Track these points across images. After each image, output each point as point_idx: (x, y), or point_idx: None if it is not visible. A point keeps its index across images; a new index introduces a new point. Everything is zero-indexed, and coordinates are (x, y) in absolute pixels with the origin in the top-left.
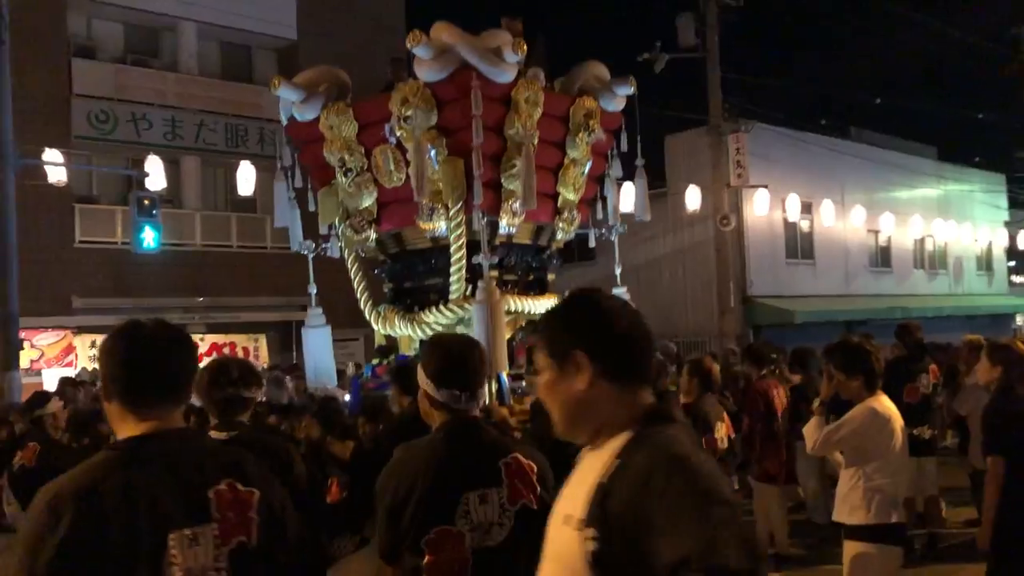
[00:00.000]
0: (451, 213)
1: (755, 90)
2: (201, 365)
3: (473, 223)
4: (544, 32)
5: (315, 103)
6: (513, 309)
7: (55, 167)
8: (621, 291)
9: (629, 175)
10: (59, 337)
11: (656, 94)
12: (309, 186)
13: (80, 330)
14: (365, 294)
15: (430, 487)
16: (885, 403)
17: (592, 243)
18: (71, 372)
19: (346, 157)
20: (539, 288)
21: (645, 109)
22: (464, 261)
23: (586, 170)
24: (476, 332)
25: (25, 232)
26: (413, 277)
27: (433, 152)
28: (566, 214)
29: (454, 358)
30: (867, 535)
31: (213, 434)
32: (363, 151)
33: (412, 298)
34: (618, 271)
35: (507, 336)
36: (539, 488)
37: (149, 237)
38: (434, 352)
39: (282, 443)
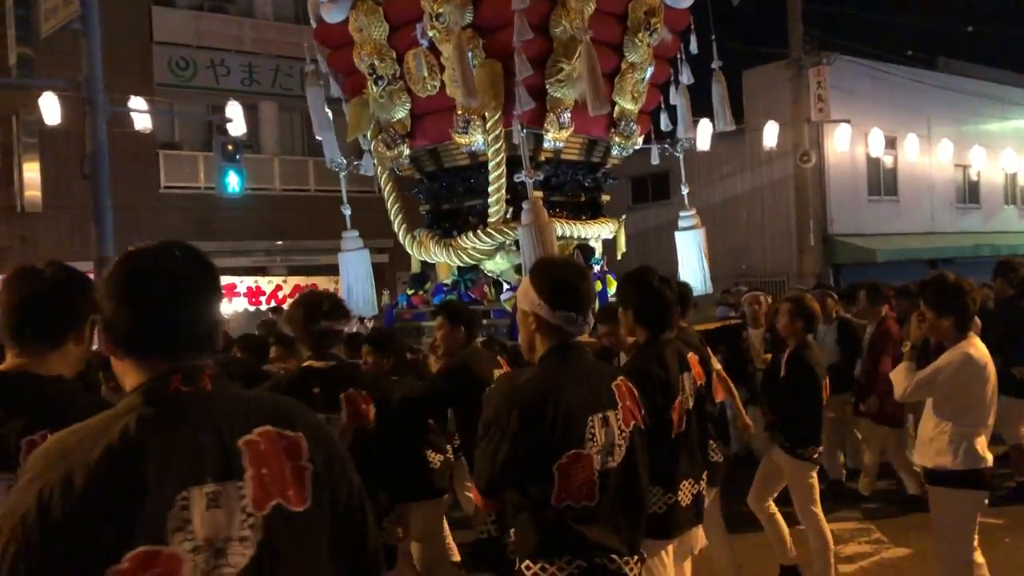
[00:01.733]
0: (488, 125)
1: (837, 21)
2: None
3: (513, 136)
4: None
5: (343, 3)
6: (561, 234)
7: (140, 114)
8: (689, 215)
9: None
10: None
11: (734, 27)
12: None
13: None
14: (399, 216)
15: (564, 411)
16: (979, 347)
17: (655, 159)
18: None
19: (376, 63)
20: (591, 211)
21: (722, 43)
22: (504, 180)
23: (647, 76)
24: (524, 259)
25: (113, 178)
26: (451, 198)
27: (470, 55)
28: (623, 126)
29: (570, 279)
30: (954, 480)
31: (312, 364)
32: (394, 56)
33: (450, 221)
34: (684, 191)
35: None
36: (640, 409)
37: (233, 181)
38: (547, 273)
39: (379, 375)
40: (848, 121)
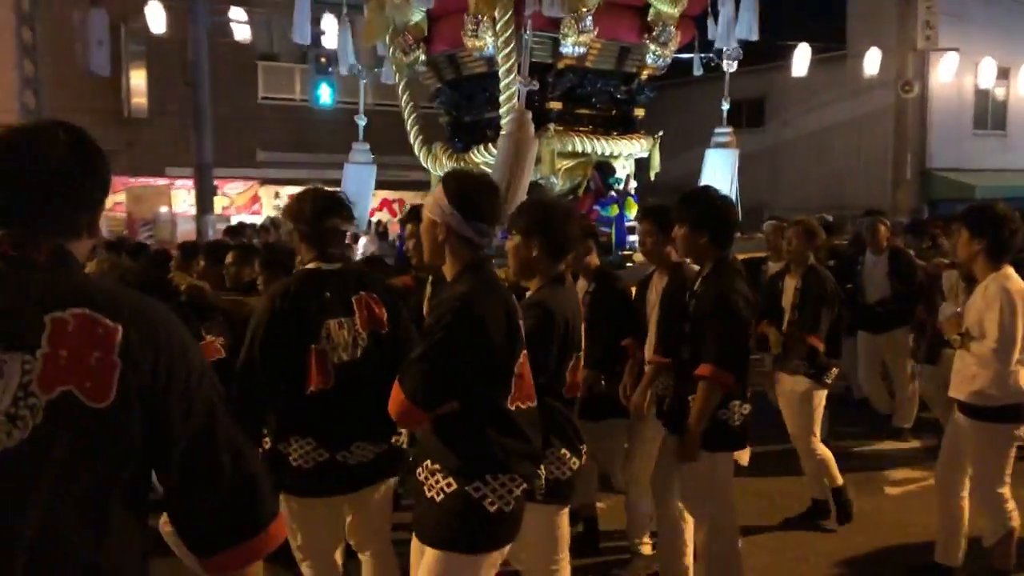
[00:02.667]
0: (498, 27)
1: None
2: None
3: (527, 37)
4: None
5: None
6: (581, 150)
7: (240, 25)
8: (724, 131)
9: None
10: (246, 187)
11: None
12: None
13: (264, 181)
14: (416, 128)
15: (509, 319)
16: (1016, 280)
17: (697, 70)
18: (258, 219)
19: None
20: (623, 125)
21: None
22: (516, 89)
23: None
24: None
25: (214, 88)
26: (472, 109)
27: None
28: (659, 32)
29: (484, 190)
30: (994, 415)
31: (319, 265)
32: None
33: (469, 134)
34: (725, 107)
35: (573, 182)
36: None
37: (325, 94)
38: (463, 183)
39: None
40: (957, 49)
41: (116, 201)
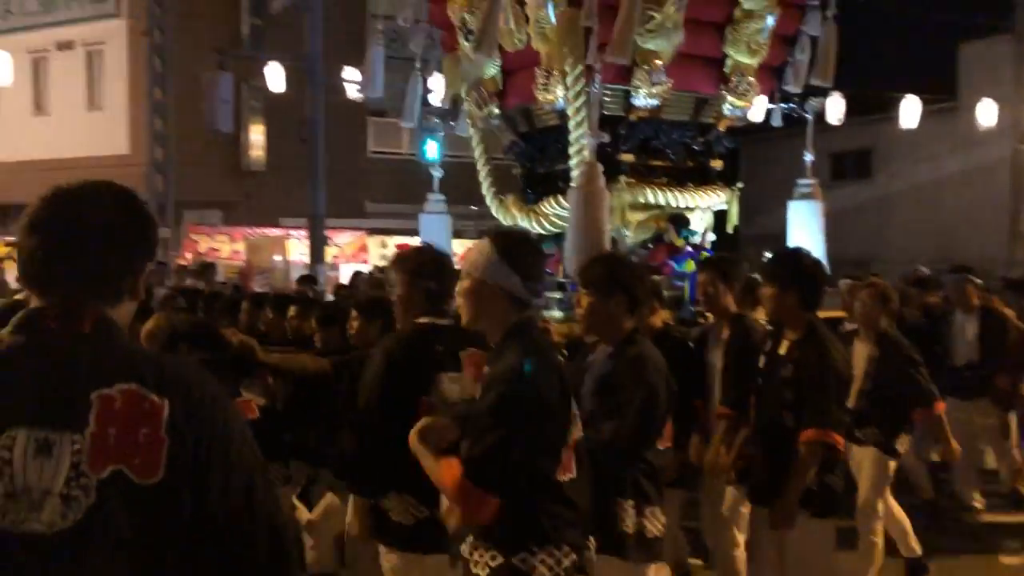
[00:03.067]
0: (568, 80)
1: None
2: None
3: (595, 90)
4: None
5: None
6: (655, 202)
7: (351, 84)
8: (808, 182)
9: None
10: (355, 237)
11: None
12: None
13: (372, 231)
14: (489, 180)
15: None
16: None
17: (777, 121)
18: (364, 268)
19: (466, 16)
20: (699, 177)
21: (936, 14)
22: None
23: (767, 26)
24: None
25: (327, 142)
26: (544, 161)
27: (550, 6)
28: (736, 83)
29: (533, 247)
30: None
31: (433, 320)
32: (484, 8)
33: (542, 186)
34: (808, 159)
35: (644, 235)
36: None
37: (431, 149)
38: (512, 238)
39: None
40: None
41: (235, 249)
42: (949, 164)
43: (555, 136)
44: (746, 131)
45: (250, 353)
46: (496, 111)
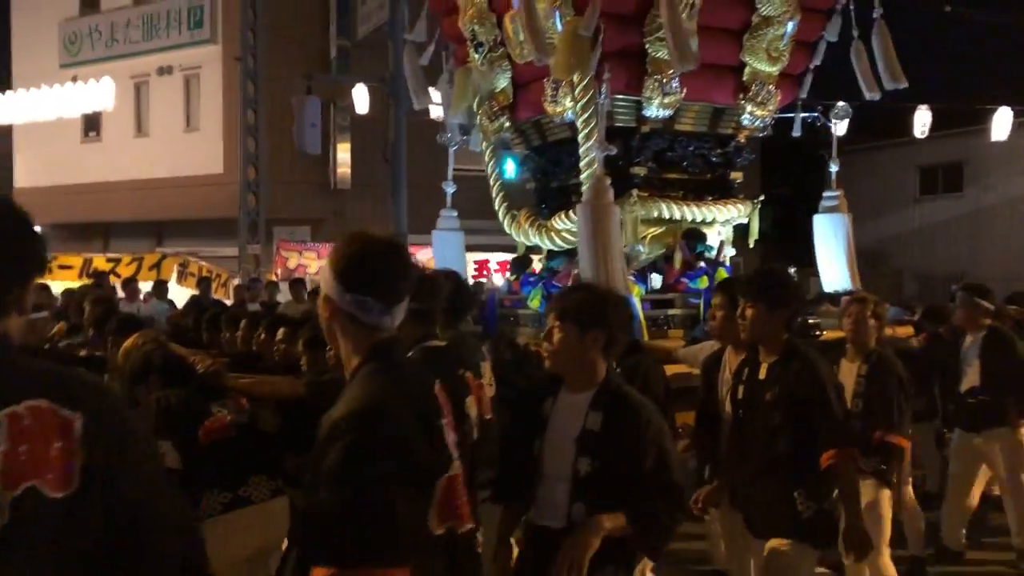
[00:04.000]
0: (577, 92)
1: None
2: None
3: (605, 104)
4: None
5: None
6: (669, 216)
7: (435, 105)
8: (834, 195)
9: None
10: None
11: None
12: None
13: None
14: (500, 195)
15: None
16: None
17: (797, 131)
18: None
19: (477, 28)
20: (720, 190)
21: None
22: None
23: (788, 32)
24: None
25: (409, 161)
26: (558, 175)
27: (558, 15)
28: (756, 91)
29: (378, 254)
30: None
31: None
32: (495, 20)
33: (555, 200)
34: (833, 170)
35: (658, 249)
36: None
37: (510, 168)
38: (349, 246)
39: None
40: None
41: (322, 265)
42: None
43: (568, 149)
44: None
45: (215, 379)
46: (507, 124)
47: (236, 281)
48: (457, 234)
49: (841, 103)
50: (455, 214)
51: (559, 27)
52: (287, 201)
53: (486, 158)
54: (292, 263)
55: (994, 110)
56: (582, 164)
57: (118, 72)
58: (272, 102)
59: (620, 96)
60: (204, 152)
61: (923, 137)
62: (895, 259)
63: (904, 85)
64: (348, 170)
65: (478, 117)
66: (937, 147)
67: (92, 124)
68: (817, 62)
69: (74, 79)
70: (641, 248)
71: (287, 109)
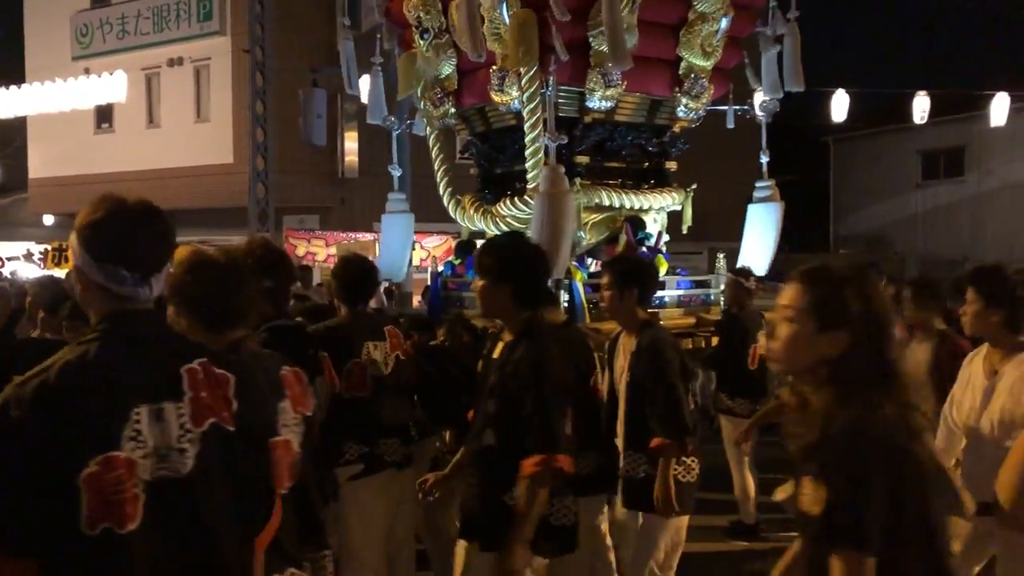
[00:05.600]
0: (523, 82)
1: None
2: None
3: (549, 93)
4: None
5: None
6: (610, 204)
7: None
8: (766, 184)
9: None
10: (442, 240)
11: None
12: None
13: (457, 235)
14: (445, 179)
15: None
16: None
17: (731, 122)
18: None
19: (422, 15)
20: (656, 179)
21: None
22: (542, 143)
23: (722, 28)
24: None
25: (415, 151)
26: (503, 162)
27: (504, 6)
28: (691, 85)
29: (128, 225)
30: None
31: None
32: (440, 7)
33: (499, 186)
34: (764, 160)
35: (602, 235)
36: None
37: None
38: (93, 210)
39: None
40: None
41: (330, 253)
42: None
43: (512, 137)
44: (833, 130)
45: None
46: (452, 111)
47: None
48: (406, 216)
49: (768, 98)
50: (403, 196)
51: (506, 19)
52: (296, 190)
53: (430, 143)
54: (300, 251)
55: (992, 95)
56: (527, 152)
57: (129, 64)
58: (281, 93)
59: (564, 87)
60: (214, 142)
61: (923, 123)
62: (898, 244)
63: (802, 88)
64: (356, 159)
65: (423, 103)
66: (938, 132)
67: (104, 115)
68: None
69: (86, 71)
70: (583, 235)
71: (295, 100)
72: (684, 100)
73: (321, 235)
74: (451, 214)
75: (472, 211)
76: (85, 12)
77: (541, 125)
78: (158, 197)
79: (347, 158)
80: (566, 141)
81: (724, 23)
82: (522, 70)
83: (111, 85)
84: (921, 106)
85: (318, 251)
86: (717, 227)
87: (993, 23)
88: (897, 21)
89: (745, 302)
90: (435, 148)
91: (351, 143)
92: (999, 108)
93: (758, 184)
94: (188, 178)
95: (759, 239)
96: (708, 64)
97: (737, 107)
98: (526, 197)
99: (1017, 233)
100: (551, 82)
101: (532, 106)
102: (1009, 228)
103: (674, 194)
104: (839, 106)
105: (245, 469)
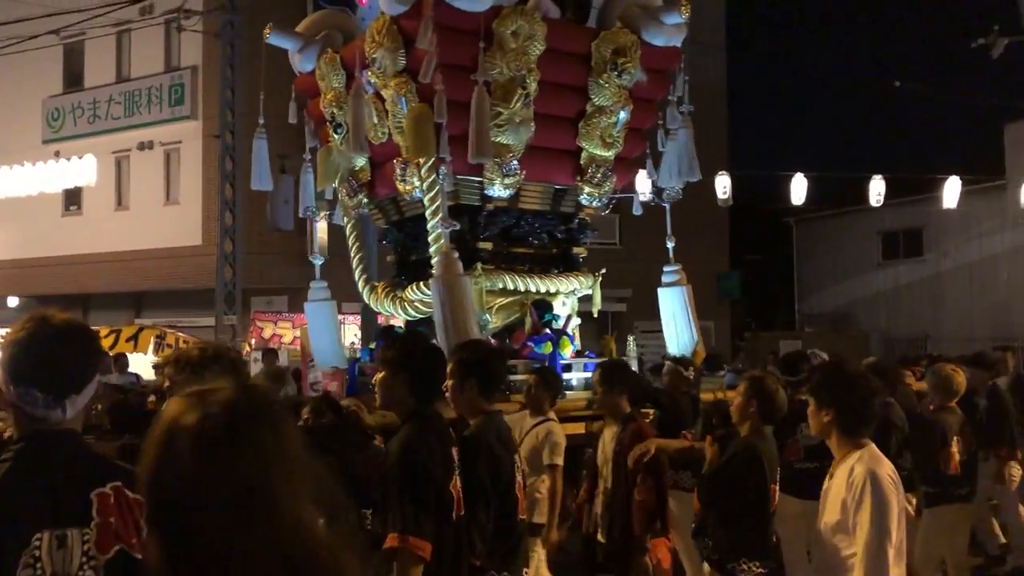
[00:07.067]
0: (423, 172)
1: None
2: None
3: (446, 183)
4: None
5: (311, 52)
6: (513, 287)
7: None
8: (673, 270)
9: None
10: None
11: (994, 81)
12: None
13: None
14: (360, 267)
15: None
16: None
17: (637, 209)
18: None
19: (335, 111)
20: (564, 264)
21: (982, 98)
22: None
23: (620, 120)
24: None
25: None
26: (417, 248)
27: (403, 101)
28: (592, 174)
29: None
30: None
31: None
32: (362, 105)
33: (413, 272)
34: (670, 245)
35: (505, 319)
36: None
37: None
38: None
39: None
40: None
41: (296, 335)
42: (1001, 242)
43: (423, 224)
44: (796, 211)
45: None
46: (366, 201)
47: None
48: (328, 304)
49: (673, 187)
50: (324, 284)
51: (404, 111)
52: (264, 272)
53: (347, 232)
54: (267, 333)
55: (945, 179)
56: (430, 239)
57: (99, 147)
58: (248, 177)
59: (463, 176)
60: (183, 224)
61: (879, 205)
62: (861, 322)
63: (696, 178)
64: (325, 238)
65: (339, 193)
66: (897, 214)
67: (73, 198)
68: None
69: (56, 155)
70: (488, 317)
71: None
72: (587, 188)
73: (288, 316)
74: (365, 299)
75: (383, 296)
76: (57, 97)
77: (441, 213)
78: (125, 279)
79: (317, 239)
80: (459, 227)
81: (623, 115)
82: (420, 161)
83: (81, 168)
84: (877, 189)
85: (285, 333)
86: None
87: (941, 110)
88: (852, 109)
89: (683, 389)
90: (351, 236)
91: (321, 222)
92: (951, 191)
93: (665, 269)
94: (156, 260)
95: (673, 322)
96: (609, 154)
97: (642, 194)
98: (430, 282)
99: (973, 310)
100: (443, 172)
101: (431, 195)
102: (967, 305)
103: (582, 278)
104: (798, 189)
105: None
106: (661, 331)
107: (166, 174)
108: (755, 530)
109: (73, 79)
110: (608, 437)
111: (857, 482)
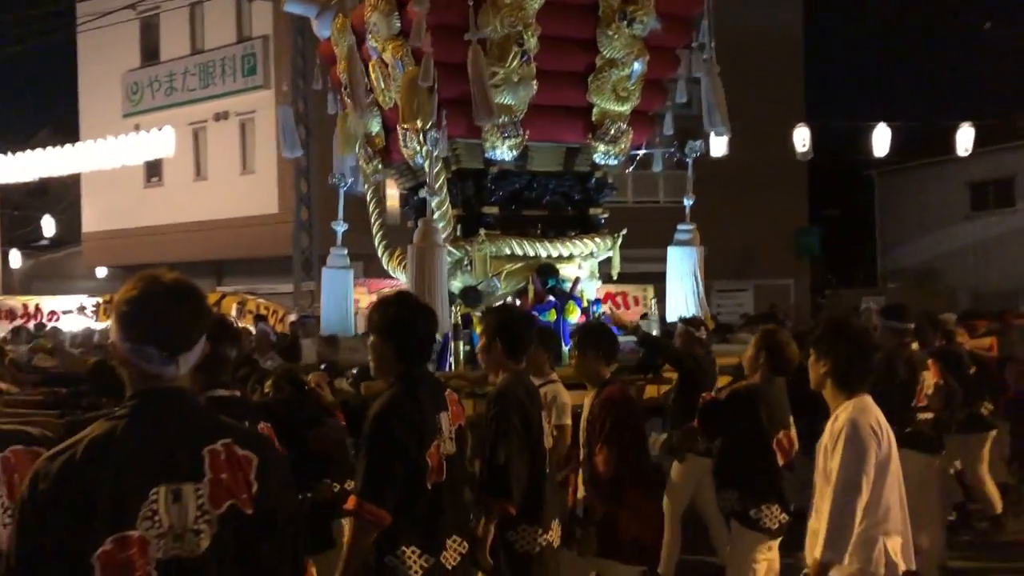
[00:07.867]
0: (422, 136)
1: None
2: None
3: (438, 150)
4: None
5: (327, 18)
6: (521, 252)
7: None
8: (687, 228)
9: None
10: None
11: None
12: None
13: None
14: (380, 233)
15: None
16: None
17: (658, 166)
18: None
19: (345, 77)
20: (580, 226)
21: None
22: (447, 195)
23: (635, 72)
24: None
25: None
26: None
27: (400, 64)
28: (606, 130)
29: (156, 301)
30: None
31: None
32: (363, 68)
33: None
34: (688, 203)
35: (516, 284)
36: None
37: None
38: (128, 292)
39: None
40: None
41: (371, 301)
42: None
43: None
44: (877, 164)
45: None
46: (381, 167)
47: (292, 317)
48: (347, 272)
49: (695, 141)
50: (344, 252)
51: (401, 75)
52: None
53: (367, 198)
54: None
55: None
56: (434, 203)
57: (177, 119)
58: (324, 143)
59: (463, 140)
60: (260, 193)
61: (967, 155)
62: (949, 277)
63: (724, 130)
64: (396, 204)
65: (358, 159)
66: (987, 163)
67: (154, 170)
68: (683, 98)
69: (136, 128)
70: (497, 283)
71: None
72: (601, 146)
73: (364, 282)
74: (384, 265)
75: (396, 263)
76: (135, 71)
77: (443, 177)
78: (205, 248)
79: (388, 204)
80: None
81: (638, 66)
82: (419, 124)
83: (160, 140)
84: (965, 137)
85: (361, 298)
86: (762, 264)
87: None
88: (940, 54)
89: (697, 352)
90: (371, 203)
91: (391, 189)
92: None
93: (679, 227)
94: (234, 229)
95: (679, 282)
96: (624, 109)
97: (663, 150)
98: (408, 247)
99: None
100: (432, 136)
101: (428, 161)
102: None
103: (599, 240)
104: (881, 140)
105: (261, 552)
106: (739, 290)
107: (242, 144)
108: (767, 474)
109: (150, 53)
110: (588, 404)
111: (836, 429)
